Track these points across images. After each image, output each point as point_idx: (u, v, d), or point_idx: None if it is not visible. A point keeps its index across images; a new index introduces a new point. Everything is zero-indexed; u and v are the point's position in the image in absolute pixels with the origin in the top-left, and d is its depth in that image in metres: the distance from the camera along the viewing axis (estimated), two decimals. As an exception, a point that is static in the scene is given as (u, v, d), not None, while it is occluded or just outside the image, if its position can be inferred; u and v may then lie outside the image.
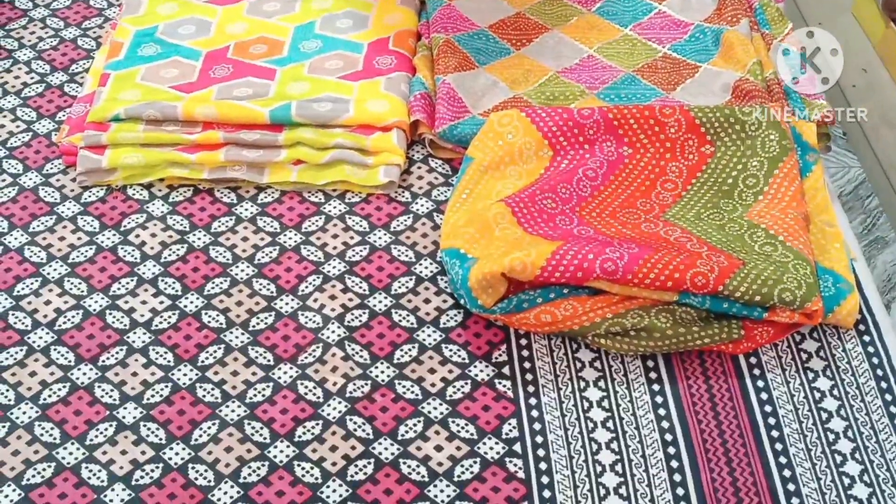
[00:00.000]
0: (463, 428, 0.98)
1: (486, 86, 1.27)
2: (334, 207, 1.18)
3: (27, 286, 1.09)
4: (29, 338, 1.05)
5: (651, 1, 1.39)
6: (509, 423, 0.99)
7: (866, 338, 1.06)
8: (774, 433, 0.98)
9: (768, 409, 1.00)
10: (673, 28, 1.35)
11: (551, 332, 1.03)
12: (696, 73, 1.29)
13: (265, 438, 0.97)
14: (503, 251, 1.03)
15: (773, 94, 1.24)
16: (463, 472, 0.95)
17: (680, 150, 1.16)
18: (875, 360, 1.04)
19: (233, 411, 0.99)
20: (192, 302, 1.08)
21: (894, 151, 2.08)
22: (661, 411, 1.00)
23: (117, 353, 1.03)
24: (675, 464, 0.96)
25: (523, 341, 1.05)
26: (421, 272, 1.11)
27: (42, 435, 0.97)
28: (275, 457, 0.96)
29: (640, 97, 1.26)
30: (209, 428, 0.98)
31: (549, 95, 1.26)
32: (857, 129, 2.16)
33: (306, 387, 1.01)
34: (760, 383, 1.02)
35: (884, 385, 1.02)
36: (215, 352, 1.04)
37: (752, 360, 1.04)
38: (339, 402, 1.00)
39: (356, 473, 0.95)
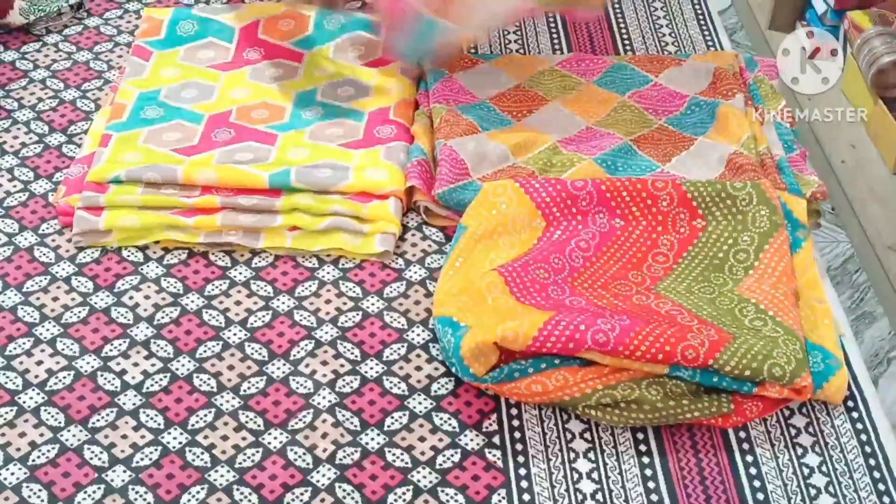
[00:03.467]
0: (452, 497, 0.98)
1: (488, 150, 1.28)
2: (328, 273, 1.18)
3: (19, 346, 1.09)
4: (20, 398, 1.04)
5: (648, 73, 1.41)
6: (498, 494, 0.99)
7: (854, 414, 1.06)
8: (763, 509, 0.98)
9: (757, 484, 1.00)
10: (669, 100, 1.37)
11: (542, 402, 1.03)
12: (690, 146, 1.30)
13: (254, 504, 0.97)
14: (495, 320, 1.03)
15: (766, 168, 1.26)
16: (451, 543, 0.95)
17: (672, 224, 1.17)
18: (863, 437, 1.04)
19: (221, 476, 0.99)
20: (183, 365, 1.08)
21: (882, 226, 2.10)
22: (651, 484, 1.00)
23: (108, 415, 1.03)
24: (663, 538, 0.96)
25: (514, 411, 1.05)
26: (413, 339, 1.12)
27: (30, 497, 0.96)
28: (263, 523, 0.96)
29: (636, 167, 1.27)
30: (198, 493, 0.97)
31: (546, 163, 1.27)
32: (846, 203, 2.18)
33: (296, 453, 1.01)
34: (749, 458, 1.02)
35: (872, 462, 1.02)
36: (206, 416, 1.04)
37: (742, 434, 1.04)
38: (329, 469, 1.00)
39: (344, 541, 0.94)
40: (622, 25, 1.55)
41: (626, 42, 1.52)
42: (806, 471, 1.01)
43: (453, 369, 1.06)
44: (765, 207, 1.16)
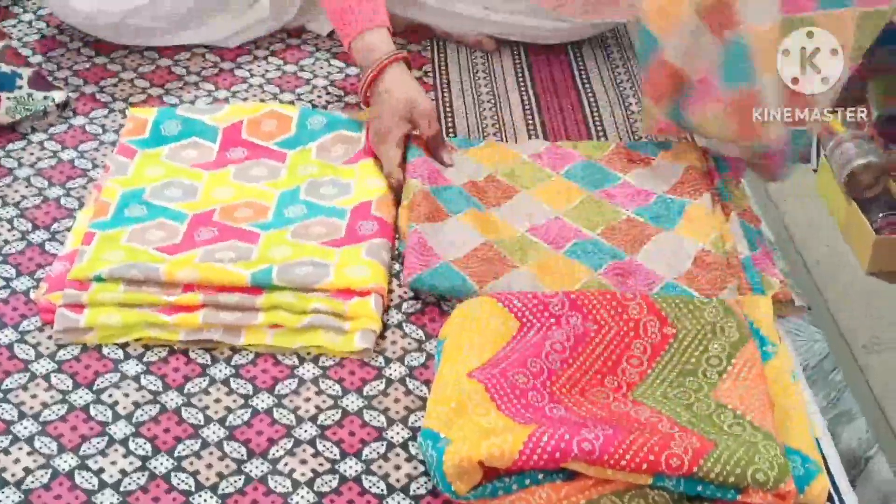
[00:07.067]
0: None
1: (457, 236, 1.31)
2: (308, 370, 1.19)
3: (-4, 444, 1.09)
4: (-5, 496, 1.04)
5: (616, 171, 1.44)
6: None
7: (833, 515, 1.06)
8: None
9: (737, 585, 1.00)
10: (636, 196, 1.40)
11: None
12: (657, 236, 1.32)
13: None
14: (478, 435, 1.03)
15: (732, 268, 1.28)
16: None
17: (643, 330, 1.18)
18: (842, 539, 1.04)
19: (198, 577, 0.98)
20: (161, 463, 1.08)
21: (858, 326, 2.12)
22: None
23: (84, 514, 1.03)
24: None
25: (493, 511, 1.05)
26: (392, 438, 1.12)
27: None
28: None
29: (604, 255, 1.29)
30: None
31: (518, 249, 1.30)
32: (822, 303, 2.20)
33: (274, 553, 1.00)
34: (729, 559, 1.02)
35: (851, 564, 1.02)
36: (183, 515, 1.03)
37: (721, 533, 1.04)
38: (307, 570, 0.99)
39: None
40: (593, 106, 1.58)
41: (597, 119, 1.57)
42: (785, 572, 1.01)
43: (436, 484, 1.05)
44: (732, 320, 1.17)
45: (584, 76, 1.67)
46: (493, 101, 1.61)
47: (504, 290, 1.23)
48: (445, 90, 1.62)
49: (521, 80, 1.66)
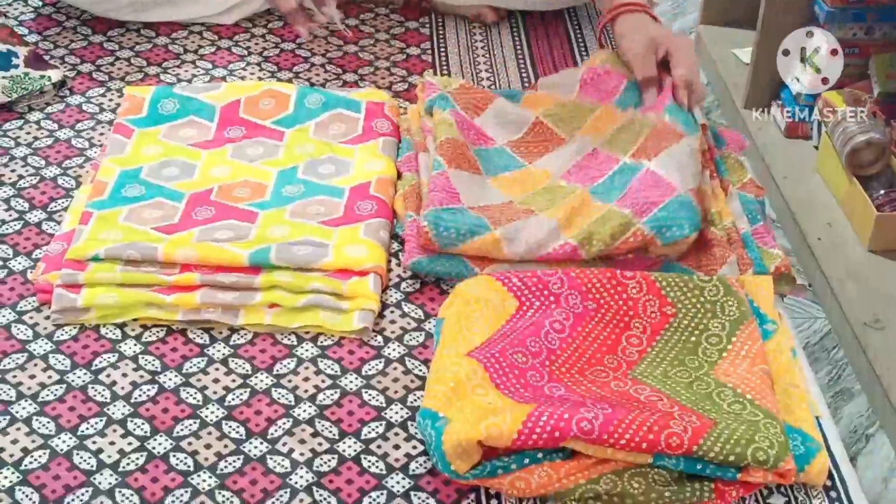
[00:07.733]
0: (430, 579, 0.97)
1: (484, 189, 1.32)
2: (306, 350, 1.18)
3: (-5, 424, 1.09)
4: (-6, 477, 1.04)
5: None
6: (477, 575, 0.98)
7: (833, 493, 1.06)
8: (743, 590, 0.98)
9: (737, 564, 1.00)
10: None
11: (525, 496, 1.03)
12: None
13: (229, 586, 0.96)
14: (477, 415, 1.03)
15: (732, 243, 1.27)
16: None
17: (642, 309, 1.18)
18: (842, 517, 1.04)
19: (197, 557, 0.98)
20: (160, 444, 1.08)
21: (858, 305, 2.12)
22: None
23: (83, 494, 1.02)
24: None
25: (493, 490, 1.05)
26: (391, 417, 1.11)
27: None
28: None
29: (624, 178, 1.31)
30: (173, 574, 0.96)
31: (548, 199, 1.31)
32: (823, 281, 2.20)
33: (273, 533, 1.00)
34: (729, 538, 1.02)
35: (851, 542, 1.02)
36: (182, 495, 1.03)
37: (721, 513, 1.04)
38: (306, 550, 0.99)
39: None
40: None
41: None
42: (785, 551, 1.01)
43: (435, 464, 1.04)
44: (732, 298, 1.17)
45: (582, 50, 1.66)
46: (491, 78, 1.60)
47: (516, 232, 1.23)
48: (444, 67, 1.62)
49: (519, 55, 1.65)
